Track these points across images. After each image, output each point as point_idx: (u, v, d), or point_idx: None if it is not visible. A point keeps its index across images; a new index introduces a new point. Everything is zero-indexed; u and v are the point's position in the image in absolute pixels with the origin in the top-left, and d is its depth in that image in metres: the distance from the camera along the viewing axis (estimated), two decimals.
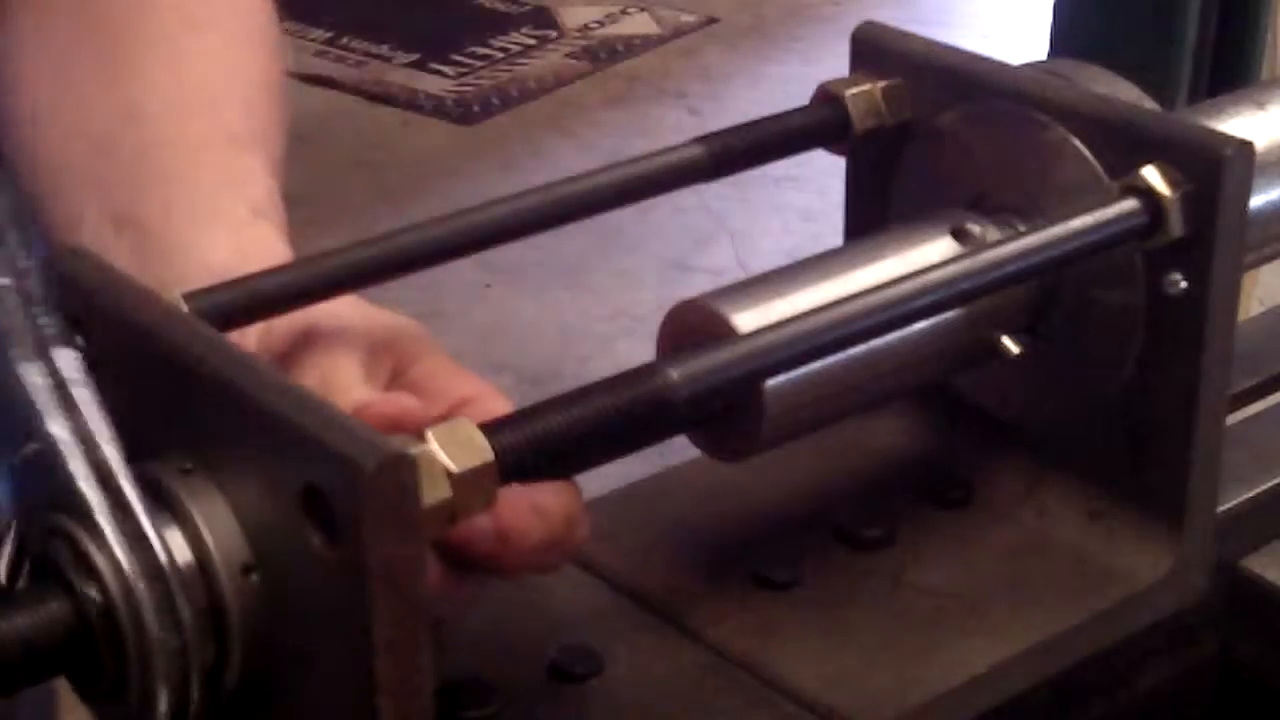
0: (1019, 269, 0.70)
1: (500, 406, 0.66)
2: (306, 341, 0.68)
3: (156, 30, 0.85)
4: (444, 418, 0.66)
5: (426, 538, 0.56)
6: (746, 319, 0.68)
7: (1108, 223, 0.71)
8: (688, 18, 4.43)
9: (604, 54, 4.24)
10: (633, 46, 4.29)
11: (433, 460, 0.57)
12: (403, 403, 0.62)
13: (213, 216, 0.76)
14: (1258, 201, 0.75)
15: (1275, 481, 0.84)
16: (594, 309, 3.21)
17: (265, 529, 0.56)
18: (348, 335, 0.68)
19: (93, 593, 0.56)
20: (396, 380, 0.68)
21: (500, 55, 4.21)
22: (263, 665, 0.58)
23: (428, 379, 0.68)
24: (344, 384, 0.66)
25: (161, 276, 0.70)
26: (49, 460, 0.57)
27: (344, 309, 0.69)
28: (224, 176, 0.79)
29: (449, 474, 0.57)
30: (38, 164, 0.83)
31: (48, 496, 0.57)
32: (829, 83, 0.79)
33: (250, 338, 0.68)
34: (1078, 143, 0.73)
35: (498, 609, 0.73)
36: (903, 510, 0.78)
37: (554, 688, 0.70)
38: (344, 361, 0.67)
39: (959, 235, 0.74)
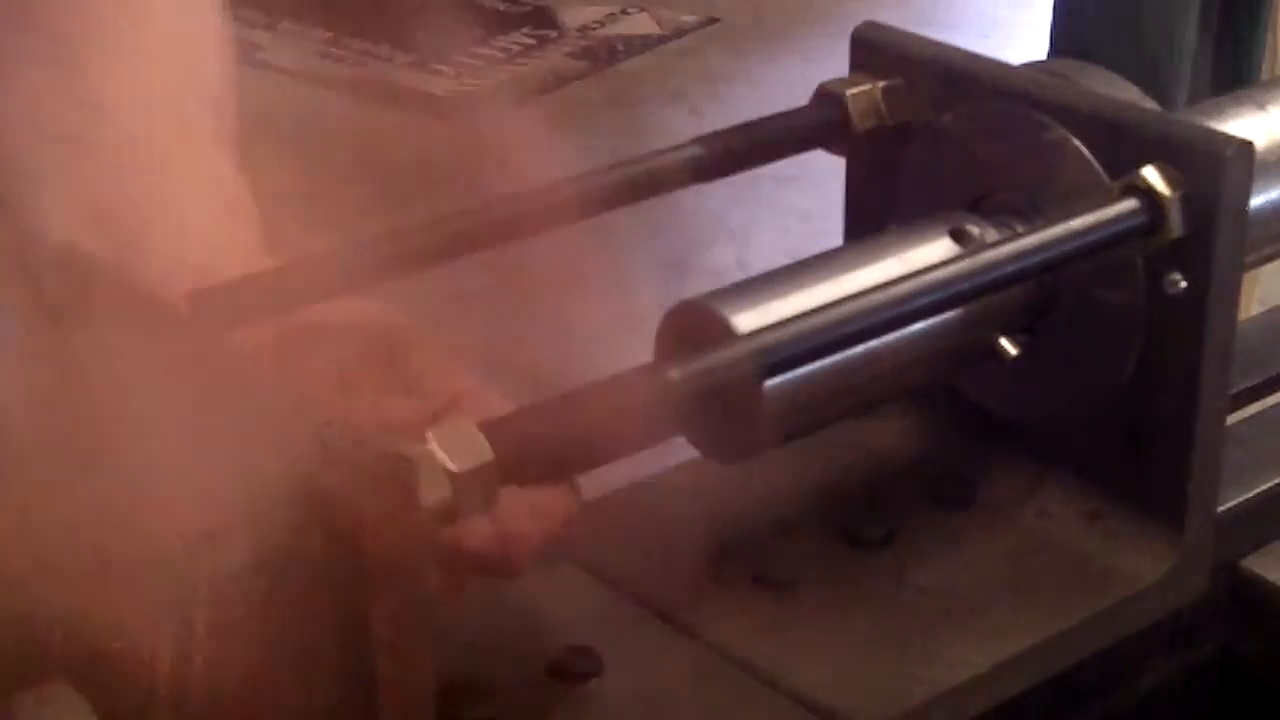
0: (1018, 269, 0.70)
1: (495, 400, 0.66)
2: (298, 340, 0.68)
3: (102, 23, 0.84)
4: (439, 414, 0.66)
5: (427, 538, 0.56)
6: (745, 319, 0.68)
7: (1108, 223, 0.71)
8: (688, 18, 4.43)
9: (604, 54, 4.24)
10: (633, 46, 4.29)
11: (433, 460, 0.57)
12: (397, 409, 0.62)
13: (189, 217, 0.75)
14: (1258, 201, 0.75)
15: (1275, 481, 0.84)
16: (594, 309, 3.21)
17: (265, 528, 0.56)
18: (340, 333, 0.68)
19: None
20: (391, 376, 0.68)
21: (500, 55, 4.21)
22: (263, 665, 0.58)
23: (422, 374, 0.68)
24: (338, 384, 0.66)
25: (139, 277, 0.69)
26: None
27: (335, 304, 0.69)
28: (196, 174, 0.78)
29: (449, 474, 0.57)
30: None
31: None
32: (829, 83, 0.79)
33: (240, 338, 0.67)
34: (1078, 143, 0.73)
35: (498, 609, 0.73)
36: (903, 510, 0.78)
37: (554, 688, 0.70)
38: (337, 360, 0.67)
39: (958, 236, 0.74)
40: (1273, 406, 0.90)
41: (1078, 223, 0.70)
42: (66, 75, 0.81)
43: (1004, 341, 0.75)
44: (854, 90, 0.79)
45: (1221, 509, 0.79)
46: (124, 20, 0.84)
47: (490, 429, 0.59)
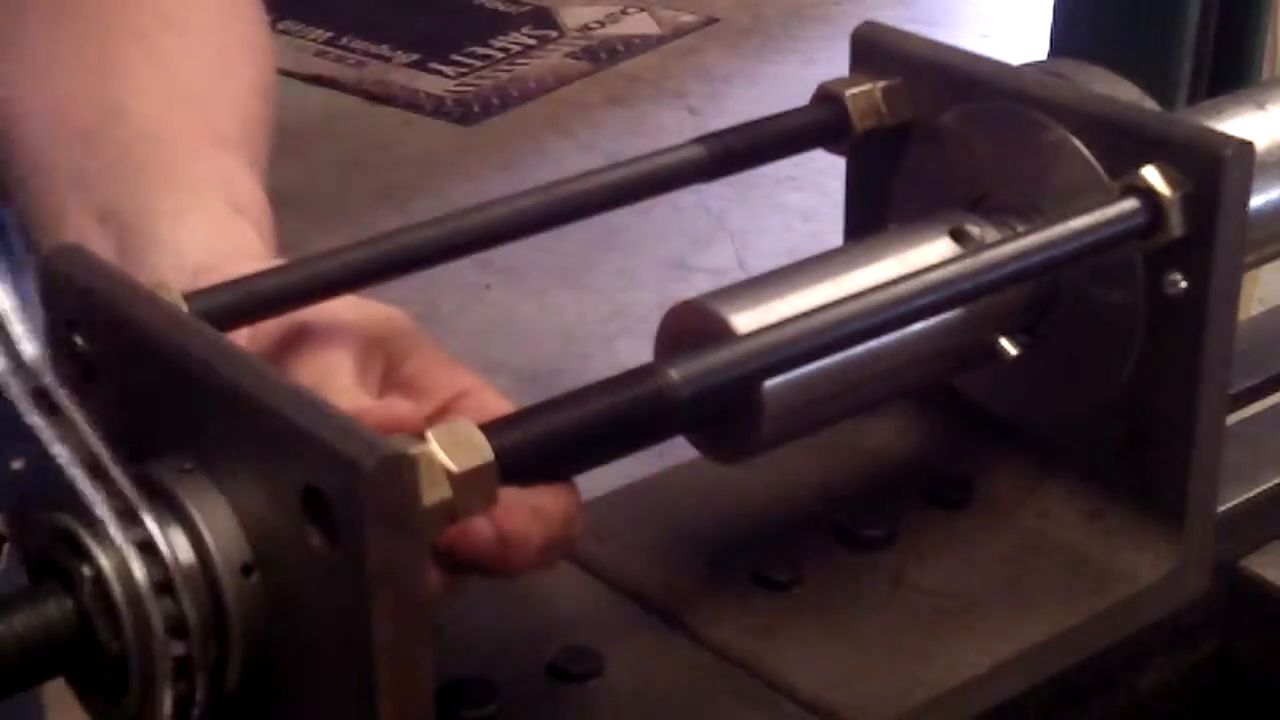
0: (1018, 269, 0.70)
1: (494, 401, 0.66)
2: (298, 340, 0.68)
3: (138, 30, 0.85)
4: (439, 415, 0.66)
5: (427, 538, 0.56)
6: (745, 319, 0.68)
7: (1108, 223, 0.71)
8: (688, 18, 4.43)
9: (604, 54, 4.24)
10: (633, 46, 4.29)
11: (433, 460, 0.57)
12: (397, 410, 0.62)
13: (190, 211, 0.76)
14: (1258, 201, 0.75)
15: (1275, 481, 0.84)
16: (594, 309, 3.21)
17: (265, 529, 0.56)
18: (339, 333, 0.68)
19: (93, 593, 0.56)
20: (389, 376, 0.68)
21: (500, 55, 4.21)
22: (263, 665, 0.58)
23: (421, 375, 0.68)
24: (338, 384, 0.66)
25: (138, 271, 0.70)
26: (48, 461, 0.57)
27: (335, 304, 0.69)
28: (204, 172, 0.78)
29: (449, 474, 0.57)
30: (20, 161, 0.82)
31: (48, 497, 0.57)
32: (829, 83, 0.79)
33: (240, 338, 0.67)
34: (1078, 143, 0.73)
35: (498, 609, 0.73)
36: (903, 510, 0.78)
37: (554, 688, 0.70)
38: (337, 360, 0.67)
39: (958, 236, 0.74)
40: (1272, 406, 0.90)
41: (1078, 223, 0.70)
42: (97, 78, 0.82)
43: (1004, 341, 0.75)
44: (854, 90, 0.79)
45: (1221, 509, 0.79)
46: (156, 24, 0.85)
47: (490, 429, 0.59)
